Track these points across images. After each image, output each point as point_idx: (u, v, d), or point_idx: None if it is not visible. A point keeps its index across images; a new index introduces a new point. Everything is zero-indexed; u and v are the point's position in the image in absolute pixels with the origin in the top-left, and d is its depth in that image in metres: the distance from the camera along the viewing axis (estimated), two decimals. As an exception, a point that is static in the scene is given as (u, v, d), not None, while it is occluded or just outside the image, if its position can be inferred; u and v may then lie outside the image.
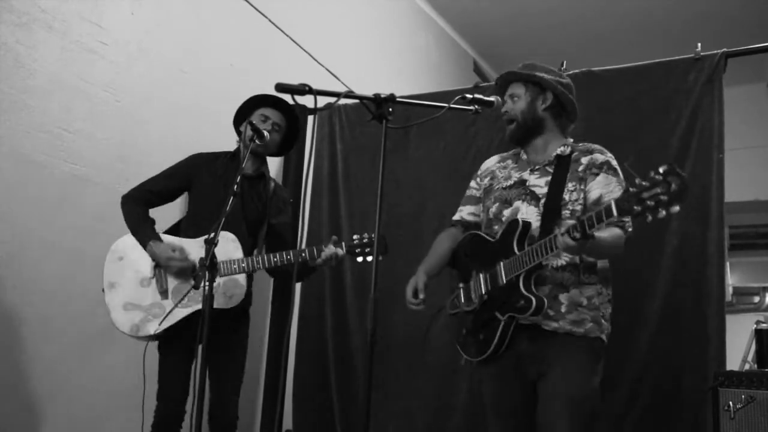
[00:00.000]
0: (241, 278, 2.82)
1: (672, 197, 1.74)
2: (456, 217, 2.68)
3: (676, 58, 3.31)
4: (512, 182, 2.49)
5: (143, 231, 2.86)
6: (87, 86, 3.24)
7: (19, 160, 2.96)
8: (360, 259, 2.78)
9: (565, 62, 3.58)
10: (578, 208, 2.34)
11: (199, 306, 2.76)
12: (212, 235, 2.35)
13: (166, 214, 3.10)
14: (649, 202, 1.78)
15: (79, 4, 3.21)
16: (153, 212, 2.98)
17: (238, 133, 3.09)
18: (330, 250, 2.73)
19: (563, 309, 2.30)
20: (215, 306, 2.76)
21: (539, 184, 2.42)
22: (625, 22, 6.20)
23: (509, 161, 2.59)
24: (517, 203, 2.42)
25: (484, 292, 2.39)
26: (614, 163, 2.40)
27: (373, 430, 1.99)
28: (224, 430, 2.86)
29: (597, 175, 2.36)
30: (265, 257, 2.78)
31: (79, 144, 3.20)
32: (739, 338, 5.06)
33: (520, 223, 2.32)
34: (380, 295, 2.03)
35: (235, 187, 2.47)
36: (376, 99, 2.12)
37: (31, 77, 3.00)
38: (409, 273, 3.76)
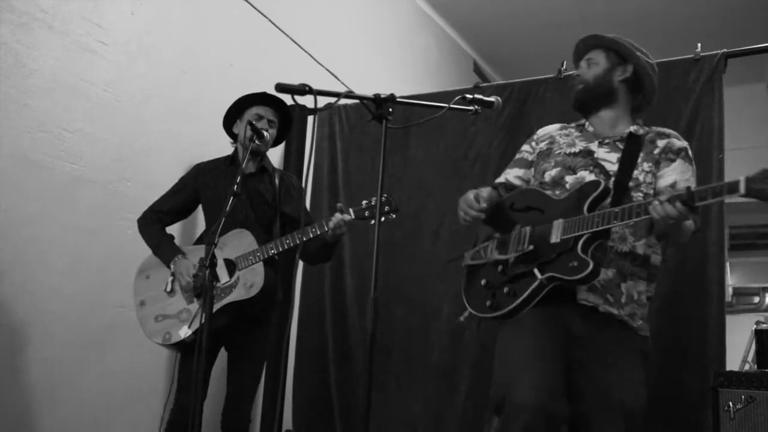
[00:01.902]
0: (258, 266, 2.83)
1: None
2: (500, 179, 2.54)
3: (676, 58, 3.31)
4: (577, 150, 2.36)
5: (164, 250, 2.95)
6: (87, 86, 3.24)
7: (19, 160, 2.95)
8: (372, 221, 2.74)
9: (565, 62, 3.57)
10: (651, 191, 2.24)
11: (226, 301, 2.82)
12: (217, 235, 2.37)
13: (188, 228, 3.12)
14: None
15: (79, 4, 3.21)
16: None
17: (231, 134, 3.12)
18: (337, 217, 2.75)
19: (623, 299, 2.19)
20: (237, 298, 2.82)
21: (609, 159, 2.30)
22: (625, 22, 6.19)
23: (572, 129, 2.47)
24: (583, 173, 2.29)
25: (526, 246, 2.20)
26: (690, 153, 2.32)
27: (373, 430, 1.99)
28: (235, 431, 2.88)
29: (673, 161, 2.28)
30: (278, 242, 2.81)
31: (79, 144, 3.19)
32: (739, 338, 5.07)
33: (602, 185, 2.16)
34: (380, 295, 2.02)
35: (235, 187, 2.48)
36: (376, 99, 2.12)
37: (31, 77, 3.00)
38: (409, 273, 3.80)
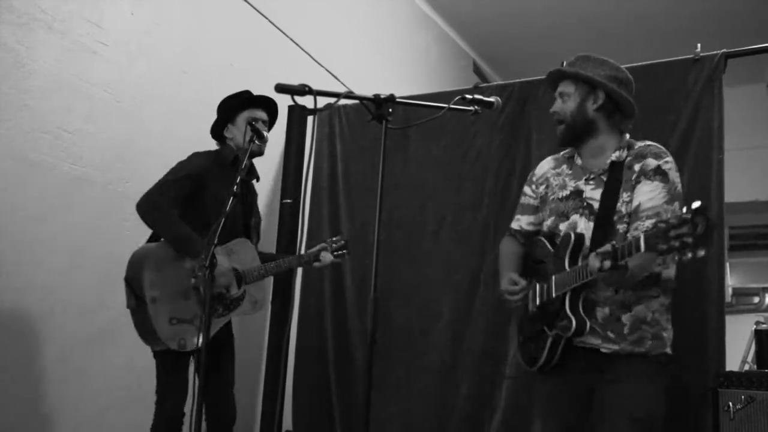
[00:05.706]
0: (263, 284, 2.88)
1: (698, 240, 1.69)
2: (515, 226, 2.59)
3: (676, 58, 3.31)
4: (568, 193, 2.38)
5: (196, 244, 2.69)
6: (87, 86, 3.24)
7: (19, 160, 2.95)
8: (339, 260, 3.21)
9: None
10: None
11: (234, 314, 2.84)
12: (215, 237, 2.37)
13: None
14: (674, 243, 1.72)
15: (79, 4, 3.21)
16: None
17: (220, 137, 3.07)
18: (327, 258, 3.13)
19: (626, 330, 2.22)
20: (243, 314, 2.85)
21: (595, 197, 2.31)
22: (625, 22, 6.20)
23: (564, 167, 2.46)
24: (575, 217, 2.33)
25: (538, 304, 2.32)
26: (667, 166, 2.25)
27: (373, 430, 1.99)
28: (226, 426, 2.87)
29: (645, 183, 2.25)
30: (279, 263, 2.94)
31: (79, 144, 3.19)
32: (739, 338, 5.06)
33: (572, 237, 2.24)
34: (380, 295, 2.02)
35: (235, 188, 2.48)
36: (376, 99, 2.12)
37: (31, 77, 3.00)
38: (409, 273, 3.80)
